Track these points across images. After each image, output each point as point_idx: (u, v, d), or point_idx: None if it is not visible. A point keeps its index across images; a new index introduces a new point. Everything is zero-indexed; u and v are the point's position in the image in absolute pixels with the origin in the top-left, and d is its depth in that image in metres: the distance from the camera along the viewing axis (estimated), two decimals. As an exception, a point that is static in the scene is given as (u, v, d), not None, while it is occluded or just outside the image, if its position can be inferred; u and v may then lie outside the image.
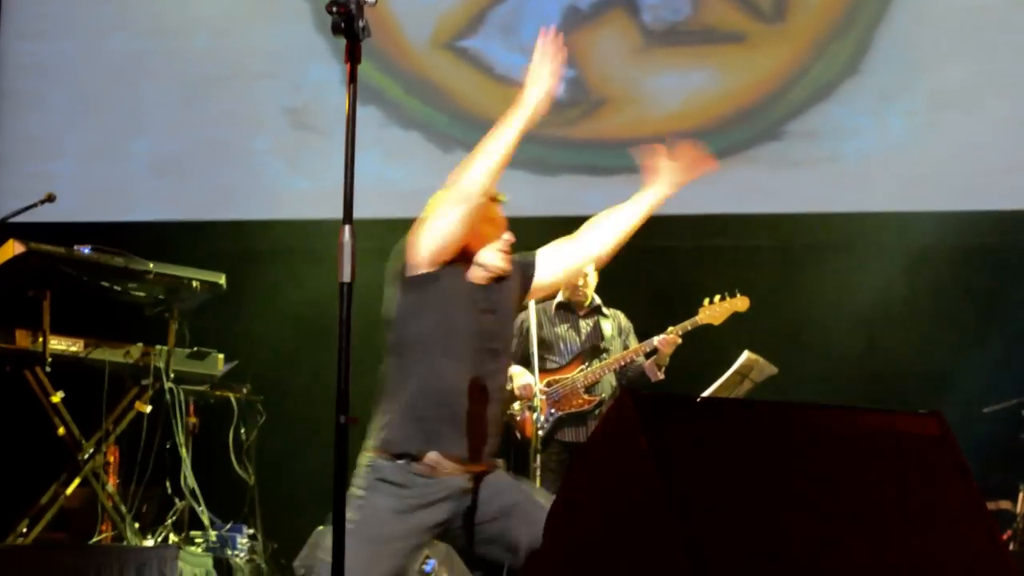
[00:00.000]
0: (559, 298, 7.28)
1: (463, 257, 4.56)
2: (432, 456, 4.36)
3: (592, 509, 3.14)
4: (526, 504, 4.38)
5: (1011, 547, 7.49)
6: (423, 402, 4.41)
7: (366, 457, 4.49)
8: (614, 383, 7.17)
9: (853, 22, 8.98)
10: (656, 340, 7.01)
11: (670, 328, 7.03)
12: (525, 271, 4.77)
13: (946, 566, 3.08)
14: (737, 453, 3.04)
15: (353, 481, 4.45)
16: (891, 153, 8.80)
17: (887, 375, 8.50)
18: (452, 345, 4.44)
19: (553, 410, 6.91)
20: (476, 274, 4.59)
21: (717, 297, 7.11)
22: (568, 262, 4.91)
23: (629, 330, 7.29)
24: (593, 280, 7.27)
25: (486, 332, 4.50)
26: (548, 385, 6.94)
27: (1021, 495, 7.77)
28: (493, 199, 4.70)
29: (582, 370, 7.08)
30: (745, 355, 6.92)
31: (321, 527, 7.14)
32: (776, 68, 9.01)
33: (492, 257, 4.61)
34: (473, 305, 4.51)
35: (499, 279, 4.63)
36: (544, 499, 4.34)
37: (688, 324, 7.04)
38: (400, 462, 4.39)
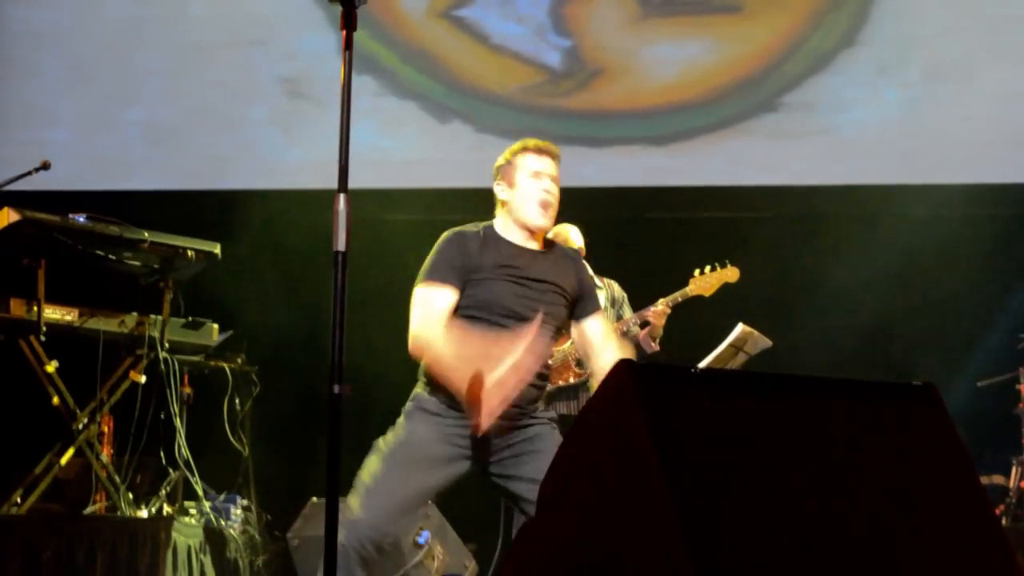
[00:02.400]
0: None
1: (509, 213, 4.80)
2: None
3: (586, 480, 3.14)
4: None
5: (1004, 521, 7.52)
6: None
7: (412, 394, 4.78)
8: (607, 356, 7.15)
9: (850, -7, 8.97)
10: (647, 312, 7.00)
11: (660, 300, 7.01)
12: (581, 280, 4.92)
13: (939, 539, 3.08)
14: (732, 424, 3.04)
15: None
16: (887, 125, 8.80)
17: (882, 347, 8.52)
18: (484, 311, 4.66)
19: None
20: (516, 234, 4.81)
21: (707, 268, 7.09)
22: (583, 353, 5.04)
23: (623, 300, 7.26)
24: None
25: (520, 301, 4.69)
26: None
27: (1014, 469, 7.79)
28: (538, 150, 4.86)
29: (571, 343, 7.07)
30: (740, 327, 6.91)
31: (315, 499, 7.17)
32: (773, 39, 9.00)
33: (529, 211, 4.78)
34: (507, 276, 4.71)
35: (546, 249, 4.83)
36: None
37: (679, 295, 7.02)
38: (440, 395, 4.65)
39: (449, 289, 4.67)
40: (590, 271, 7.24)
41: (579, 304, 4.85)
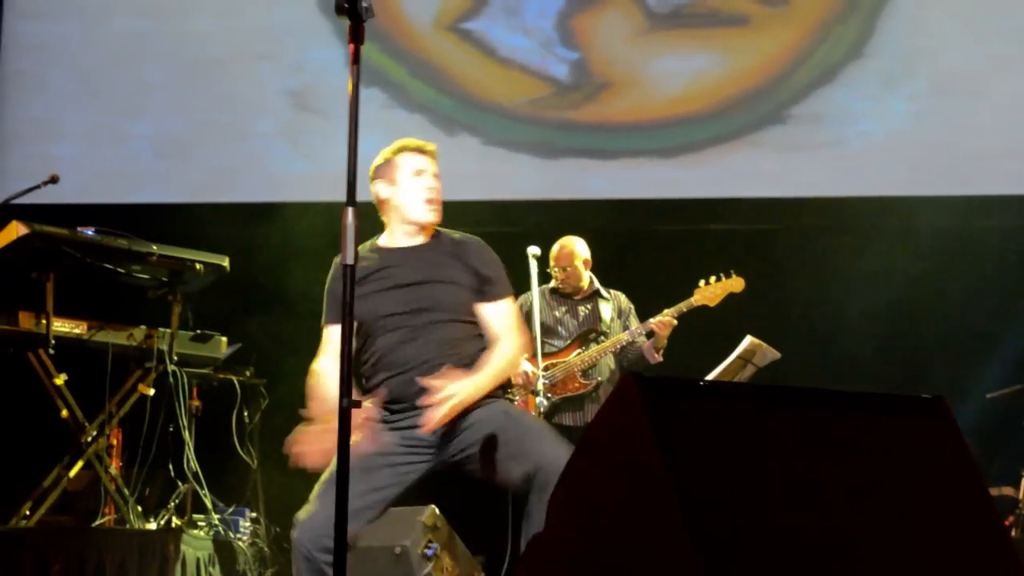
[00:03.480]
0: (551, 284, 7.26)
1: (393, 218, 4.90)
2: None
3: (594, 493, 3.14)
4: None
5: (1014, 533, 7.50)
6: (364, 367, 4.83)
7: None
8: (612, 366, 7.15)
9: (857, 5, 8.97)
10: (652, 322, 7.00)
11: (665, 311, 7.01)
12: (474, 266, 4.89)
13: (948, 552, 3.08)
14: (740, 437, 3.04)
15: None
16: (894, 137, 8.80)
17: (891, 359, 8.50)
18: (367, 325, 4.78)
19: (549, 395, 6.87)
20: (397, 235, 4.90)
21: (712, 278, 7.09)
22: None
23: (630, 311, 7.27)
24: (583, 268, 7.22)
25: (397, 305, 4.77)
26: (545, 369, 6.88)
27: (1024, 481, 7.79)
28: (418, 149, 4.93)
29: (579, 354, 7.07)
30: (748, 340, 6.91)
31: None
32: (780, 51, 9.00)
33: (415, 208, 4.85)
34: (377, 287, 4.79)
35: (430, 244, 4.87)
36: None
37: (683, 306, 7.02)
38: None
39: (330, 327, 4.85)
40: (596, 283, 7.26)
41: (478, 291, 4.84)
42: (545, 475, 4.40)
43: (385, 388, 4.73)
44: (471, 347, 4.80)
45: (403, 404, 4.72)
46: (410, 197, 4.85)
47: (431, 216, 4.85)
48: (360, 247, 4.66)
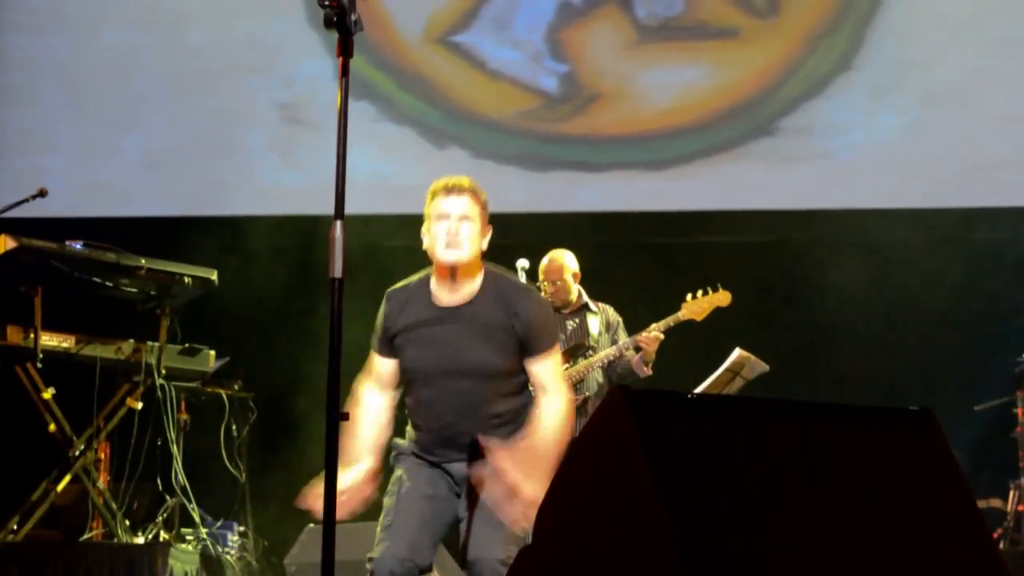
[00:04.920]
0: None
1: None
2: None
3: (582, 505, 3.14)
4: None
5: (1001, 545, 7.51)
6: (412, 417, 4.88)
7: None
8: (600, 381, 7.13)
9: (846, 18, 8.99)
10: (639, 338, 6.98)
11: (652, 325, 7.00)
12: (511, 312, 4.83)
13: (936, 564, 3.07)
14: (728, 450, 3.04)
15: None
16: (883, 149, 8.82)
17: (878, 371, 8.51)
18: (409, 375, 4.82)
19: None
20: (441, 285, 4.82)
21: (699, 292, 7.07)
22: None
23: (618, 324, 7.25)
24: (572, 282, 7.21)
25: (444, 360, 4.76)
26: None
27: (1012, 493, 7.78)
28: (445, 190, 4.84)
29: (567, 368, 7.05)
30: (737, 352, 6.90)
31: (311, 524, 7.14)
32: (769, 64, 9.01)
33: (438, 252, 4.77)
34: (417, 338, 4.79)
35: (477, 296, 4.80)
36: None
37: (671, 320, 7.00)
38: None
39: (378, 357, 4.87)
40: (585, 297, 7.24)
41: (524, 345, 4.82)
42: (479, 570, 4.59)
43: (427, 435, 4.81)
44: (509, 406, 4.85)
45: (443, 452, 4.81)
46: (434, 242, 4.80)
47: (449, 256, 4.76)
48: (412, 279, 4.84)
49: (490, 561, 4.54)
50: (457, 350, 4.75)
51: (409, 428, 4.90)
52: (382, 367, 4.84)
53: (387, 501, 4.77)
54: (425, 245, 4.83)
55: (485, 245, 4.84)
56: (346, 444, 4.51)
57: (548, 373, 4.82)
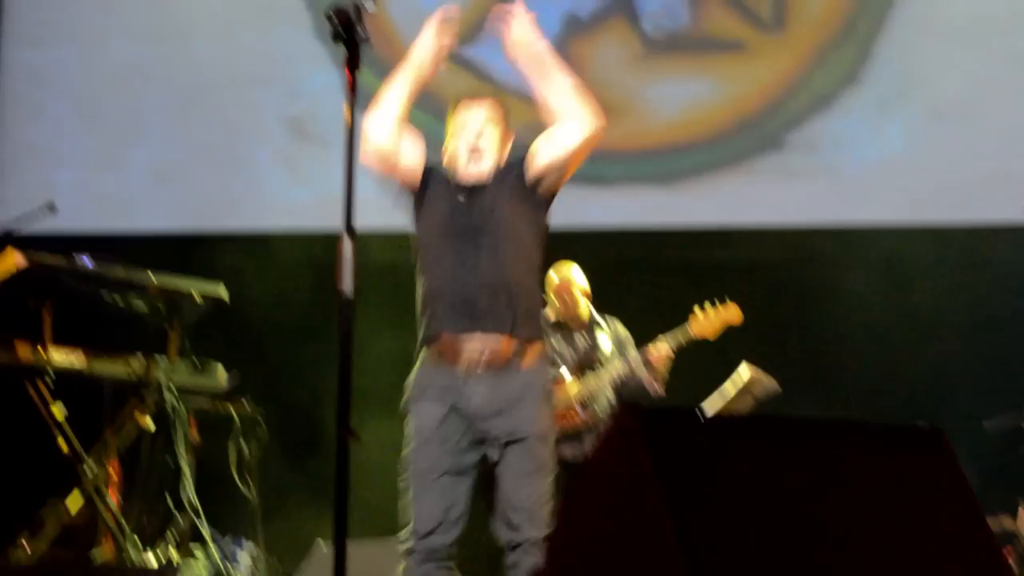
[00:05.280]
0: (552, 317, 7.18)
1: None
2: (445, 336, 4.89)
3: (593, 526, 3.14)
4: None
5: (1012, 563, 7.48)
6: (427, 297, 4.98)
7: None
8: (611, 398, 7.11)
9: (853, 32, 8.99)
10: (651, 356, 6.95)
11: (660, 337, 6.98)
12: (520, 160, 5.12)
13: (947, 584, 3.08)
14: (739, 469, 3.04)
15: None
16: (890, 163, 8.81)
17: (887, 386, 8.49)
18: (435, 244, 5.00)
19: None
20: (462, 177, 5.07)
21: (707, 305, 7.04)
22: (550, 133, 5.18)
23: (627, 340, 7.22)
24: (580, 298, 7.19)
25: (467, 227, 4.95)
26: None
27: (1021, 511, 7.76)
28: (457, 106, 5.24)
29: (577, 386, 7.03)
30: (748, 370, 6.89)
31: (322, 542, 7.14)
32: (776, 78, 9.02)
33: (459, 164, 5.07)
34: (452, 207, 5.00)
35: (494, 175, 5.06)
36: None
37: (680, 336, 6.97)
38: (425, 349, 4.93)
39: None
40: (594, 312, 7.23)
41: (537, 160, 5.10)
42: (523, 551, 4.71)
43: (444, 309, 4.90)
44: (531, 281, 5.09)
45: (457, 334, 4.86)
46: (455, 150, 5.13)
47: (472, 169, 5.08)
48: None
49: (534, 540, 4.68)
50: (489, 211, 4.93)
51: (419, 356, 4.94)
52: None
53: (408, 465, 4.85)
54: (445, 162, 5.10)
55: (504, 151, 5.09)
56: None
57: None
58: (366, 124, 5.00)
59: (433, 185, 5.06)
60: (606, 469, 3.15)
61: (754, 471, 3.06)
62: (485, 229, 4.94)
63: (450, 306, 4.87)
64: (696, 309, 7.05)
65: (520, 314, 4.88)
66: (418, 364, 4.98)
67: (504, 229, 4.94)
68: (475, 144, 5.06)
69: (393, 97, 5.11)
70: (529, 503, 4.81)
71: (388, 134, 5.04)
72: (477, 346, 4.83)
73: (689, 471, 2.97)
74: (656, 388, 7.00)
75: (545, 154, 5.03)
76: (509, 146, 5.13)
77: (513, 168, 5.09)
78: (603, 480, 3.16)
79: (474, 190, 5.02)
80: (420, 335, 4.97)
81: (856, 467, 3.18)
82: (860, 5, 9.03)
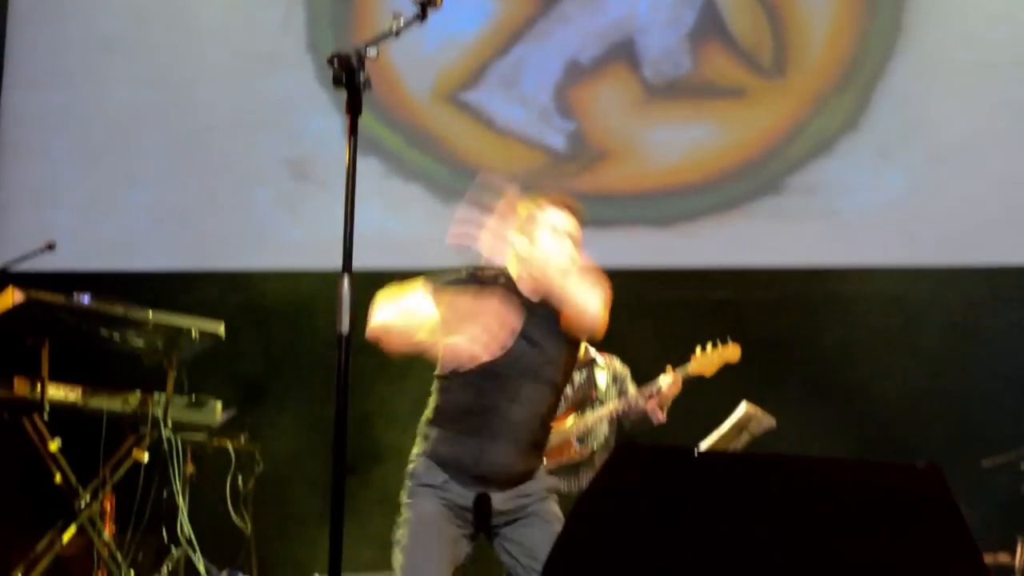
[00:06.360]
0: None
1: None
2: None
3: (589, 561, 3.14)
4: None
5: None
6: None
7: (407, 470, 4.75)
8: (607, 434, 7.12)
9: (853, 78, 9.02)
10: (662, 384, 6.97)
11: (669, 369, 7.00)
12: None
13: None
14: (735, 506, 3.04)
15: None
16: (890, 208, 8.83)
17: (885, 425, 8.49)
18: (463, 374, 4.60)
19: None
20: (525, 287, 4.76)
21: (709, 345, 7.10)
22: None
23: (625, 376, 7.25)
24: None
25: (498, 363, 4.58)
26: None
27: (1019, 548, 7.75)
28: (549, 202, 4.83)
29: (574, 421, 7.05)
30: (743, 406, 6.91)
31: (317, 574, 7.13)
32: (776, 123, 9.04)
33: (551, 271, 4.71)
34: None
35: (534, 308, 4.69)
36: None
37: (680, 373, 7.01)
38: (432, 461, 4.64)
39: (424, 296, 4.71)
40: (592, 350, 7.25)
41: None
42: None
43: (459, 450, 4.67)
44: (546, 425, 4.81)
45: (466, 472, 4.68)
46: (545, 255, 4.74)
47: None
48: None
49: None
50: (540, 349, 4.64)
51: (423, 447, 4.73)
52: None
53: (405, 537, 4.61)
54: (522, 251, 4.72)
55: None
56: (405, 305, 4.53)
57: None
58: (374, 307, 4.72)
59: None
60: (602, 503, 3.15)
61: (750, 507, 3.06)
62: None
63: None
64: (697, 349, 7.08)
65: None
66: None
67: None
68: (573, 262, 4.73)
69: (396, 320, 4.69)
70: None
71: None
72: None
73: (684, 507, 2.97)
74: (659, 416, 7.01)
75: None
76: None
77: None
78: (599, 514, 3.15)
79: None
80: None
81: (852, 503, 3.17)
82: (861, 52, 9.07)
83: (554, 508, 4.82)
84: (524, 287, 4.69)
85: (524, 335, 4.63)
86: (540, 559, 4.54)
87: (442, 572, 4.57)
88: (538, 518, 4.68)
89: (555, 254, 4.71)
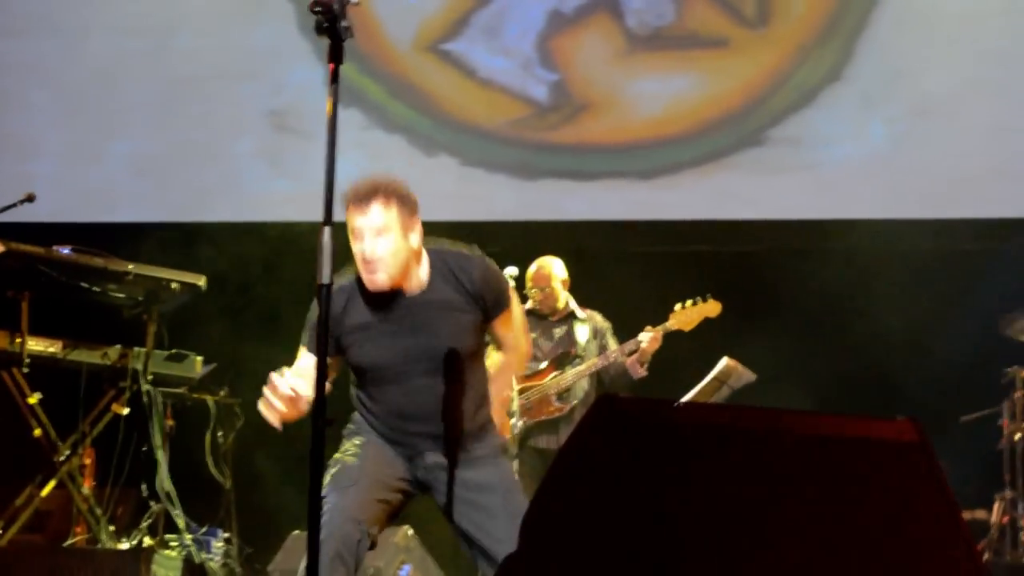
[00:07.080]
0: (527, 305, 7.14)
1: None
2: None
3: (568, 515, 3.12)
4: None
5: (986, 557, 7.51)
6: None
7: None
8: (587, 389, 7.11)
9: (836, 29, 8.99)
10: (643, 340, 6.96)
11: (648, 328, 6.99)
12: (463, 283, 4.64)
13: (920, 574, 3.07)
14: (715, 459, 3.03)
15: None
16: (872, 160, 8.82)
17: (864, 379, 8.51)
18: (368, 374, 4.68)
19: (524, 418, 6.84)
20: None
21: (689, 302, 7.09)
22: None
23: (606, 331, 7.23)
24: (560, 289, 7.19)
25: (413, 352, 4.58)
26: (520, 392, 6.77)
27: (996, 505, 7.80)
28: (355, 199, 4.52)
29: (554, 377, 7.04)
30: (725, 361, 6.91)
31: (296, 531, 7.13)
32: (759, 74, 9.02)
33: (364, 279, 4.51)
34: (376, 336, 4.57)
35: (423, 292, 4.56)
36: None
37: (660, 329, 7.00)
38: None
39: (307, 354, 4.63)
40: (573, 304, 7.23)
41: (485, 310, 4.62)
42: None
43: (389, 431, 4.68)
44: (471, 395, 4.74)
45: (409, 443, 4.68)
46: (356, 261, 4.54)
47: (375, 285, 4.48)
48: (339, 276, 4.44)
49: None
50: (428, 337, 4.53)
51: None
52: (309, 362, 4.50)
53: (344, 458, 4.60)
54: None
55: (416, 242, 4.51)
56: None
57: (511, 332, 4.77)
58: None
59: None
60: (581, 458, 3.13)
61: (730, 460, 3.05)
62: None
63: None
64: (677, 306, 7.07)
65: None
66: None
67: None
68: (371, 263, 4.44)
69: None
70: None
71: None
72: None
73: (664, 460, 2.96)
74: (639, 371, 7.00)
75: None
76: (416, 234, 4.54)
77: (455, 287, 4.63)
78: (578, 469, 3.14)
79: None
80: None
81: (831, 455, 3.16)
82: (844, 3, 9.04)
83: (504, 471, 4.77)
84: (371, 287, 4.52)
85: (392, 331, 4.54)
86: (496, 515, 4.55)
87: (375, 503, 4.52)
88: (492, 496, 4.63)
89: (358, 259, 4.46)
